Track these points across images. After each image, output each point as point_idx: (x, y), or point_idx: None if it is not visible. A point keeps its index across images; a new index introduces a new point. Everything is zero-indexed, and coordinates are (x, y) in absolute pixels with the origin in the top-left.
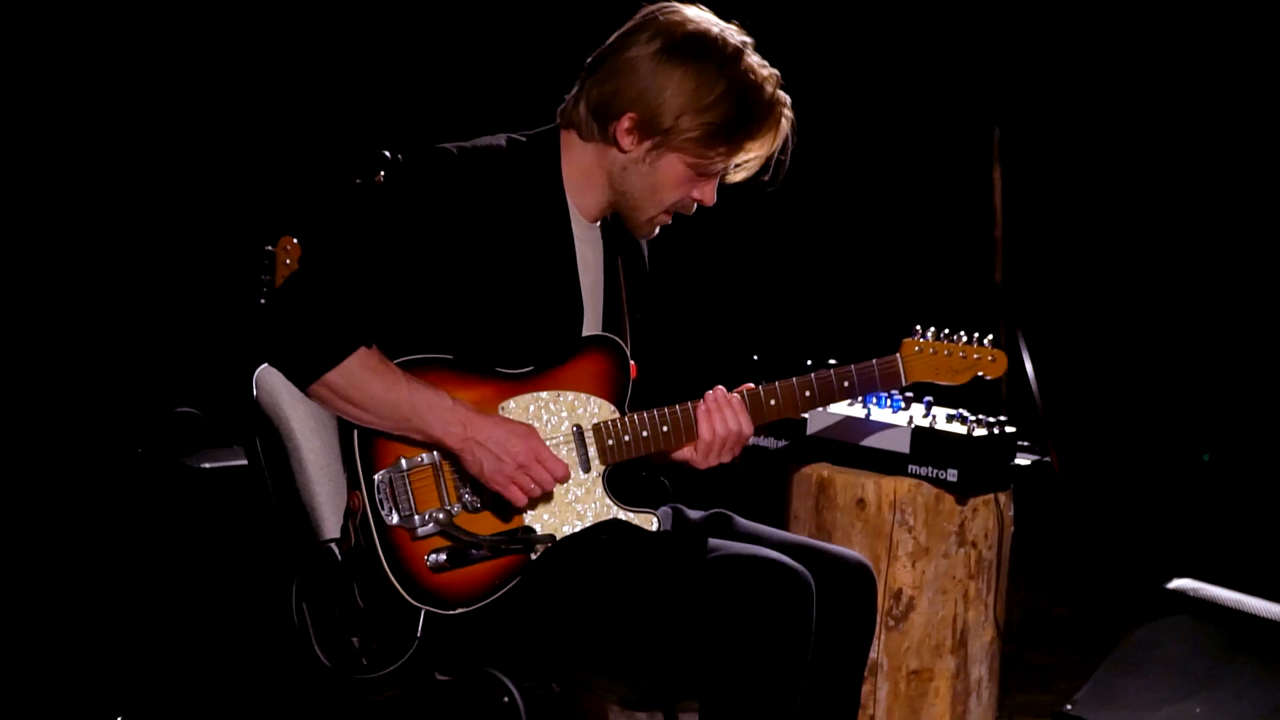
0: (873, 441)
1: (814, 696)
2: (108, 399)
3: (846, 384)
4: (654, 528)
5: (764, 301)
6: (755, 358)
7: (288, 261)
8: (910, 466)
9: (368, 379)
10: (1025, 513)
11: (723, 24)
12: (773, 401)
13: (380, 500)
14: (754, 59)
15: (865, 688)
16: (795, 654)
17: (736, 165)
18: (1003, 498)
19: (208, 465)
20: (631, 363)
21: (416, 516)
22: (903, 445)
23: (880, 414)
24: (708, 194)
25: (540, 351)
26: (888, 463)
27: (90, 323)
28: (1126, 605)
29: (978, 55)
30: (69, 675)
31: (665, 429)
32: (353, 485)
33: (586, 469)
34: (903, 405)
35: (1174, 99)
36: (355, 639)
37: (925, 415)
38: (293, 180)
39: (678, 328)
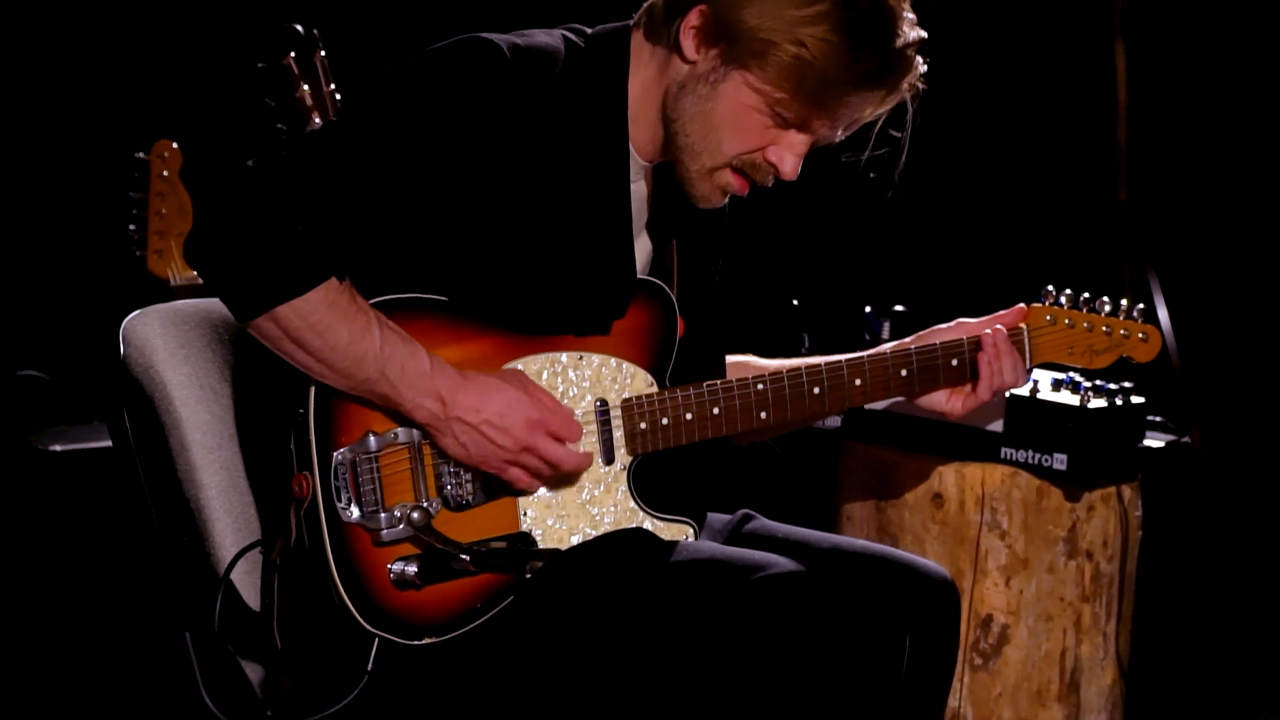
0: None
1: None
2: None
3: (955, 362)
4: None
5: (827, 217)
6: (795, 302)
7: (165, 174)
8: (1004, 449)
9: (332, 321)
10: (1158, 511)
11: None
12: (858, 381)
13: (337, 488)
14: None
15: None
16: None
17: (825, 119)
18: (1128, 492)
19: (59, 447)
20: (679, 319)
21: (383, 514)
22: (994, 420)
23: None
24: (787, 161)
25: (569, 320)
26: (973, 444)
27: None
28: None
29: None
30: None
31: (716, 411)
32: (301, 463)
33: (609, 459)
34: None
35: None
36: (257, 677)
37: (1025, 380)
38: (171, 65)
39: (727, 270)
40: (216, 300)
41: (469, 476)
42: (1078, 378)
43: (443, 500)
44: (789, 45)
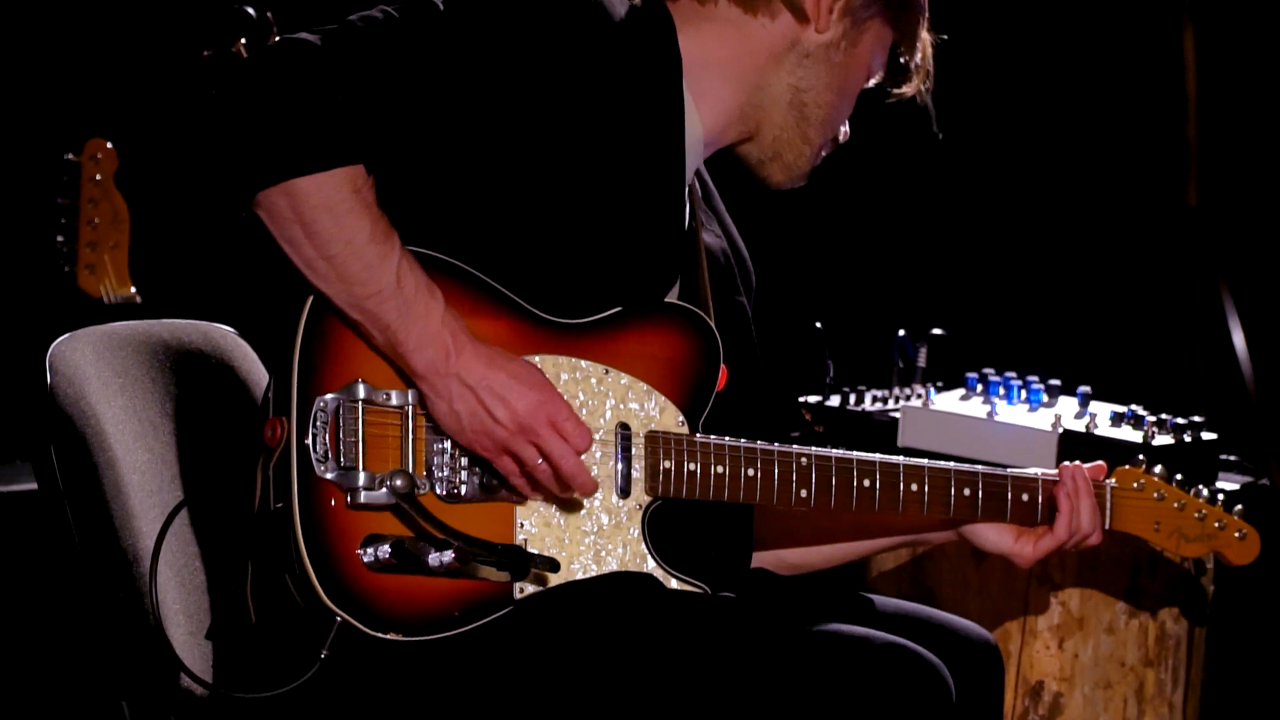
0: (1000, 454)
1: None
2: None
3: (1025, 497)
4: None
5: (854, 225)
6: (818, 325)
7: (98, 177)
8: None
9: (355, 208)
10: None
11: None
12: (914, 486)
13: (314, 435)
14: None
15: None
16: None
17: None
18: None
19: None
20: (723, 366)
21: (362, 474)
22: (1047, 459)
23: (1011, 412)
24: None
25: (605, 296)
26: None
27: None
28: None
29: None
30: None
31: (751, 472)
32: (278, 406)
33: (625, 492)
34: (1045, 399)
35: None
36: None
37: (1080, 414)
38: (106, 53)
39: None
40: (157, 322)
41: (464, 462)
42: (1141, 411)
43: (430, 484)
44: None
